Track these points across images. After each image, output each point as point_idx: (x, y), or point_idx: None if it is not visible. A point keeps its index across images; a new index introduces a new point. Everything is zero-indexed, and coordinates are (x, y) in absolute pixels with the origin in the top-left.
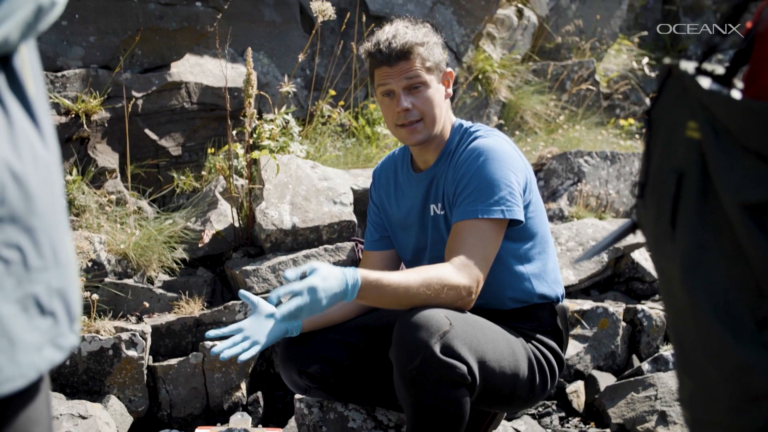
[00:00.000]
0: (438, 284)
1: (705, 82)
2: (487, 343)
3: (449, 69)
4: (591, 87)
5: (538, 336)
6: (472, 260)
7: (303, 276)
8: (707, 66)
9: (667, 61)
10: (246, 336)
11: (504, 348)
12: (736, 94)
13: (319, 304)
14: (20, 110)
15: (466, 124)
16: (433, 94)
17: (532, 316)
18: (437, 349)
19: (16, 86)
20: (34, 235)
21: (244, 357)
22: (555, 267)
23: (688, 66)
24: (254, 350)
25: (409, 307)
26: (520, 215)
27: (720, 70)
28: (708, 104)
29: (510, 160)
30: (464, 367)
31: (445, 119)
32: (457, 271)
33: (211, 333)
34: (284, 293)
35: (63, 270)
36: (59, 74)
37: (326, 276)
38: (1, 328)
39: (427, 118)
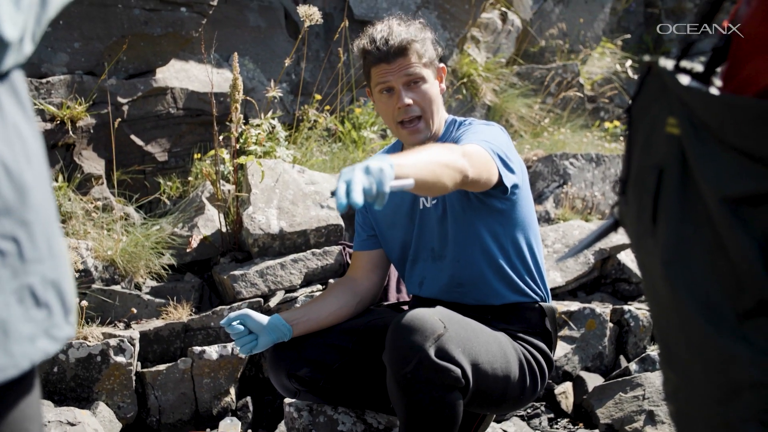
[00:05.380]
0: (448, 149)
1: (684, 79)
2: (480, 346)
3: (442, 64)
4: (577, 93)
5: (528, 337)
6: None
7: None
8: (686, 63)
9: (646, 58)
10: (252, 333)
11: (496, 350)
12: (713, 90)
13: (370, 170)
14: (13, 105)
15: (459, 119)
16: (430, 89)
17: (522, 318)
18: (432, 352)
19: (11, 85)
20: (29, 228)
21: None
22: (542, 261)
23: (667, 63)
24: (252, 346)
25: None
26: (506, 179)
27: (698, 67)
28: (687, 100)
29: (507, 143)
30: (458, 371)
31: (441, 115)
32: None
33: (224, 321)
34: (342, 193)
35: (57, 262)
36: (44, 80)
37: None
38: None
39: (426, 114)
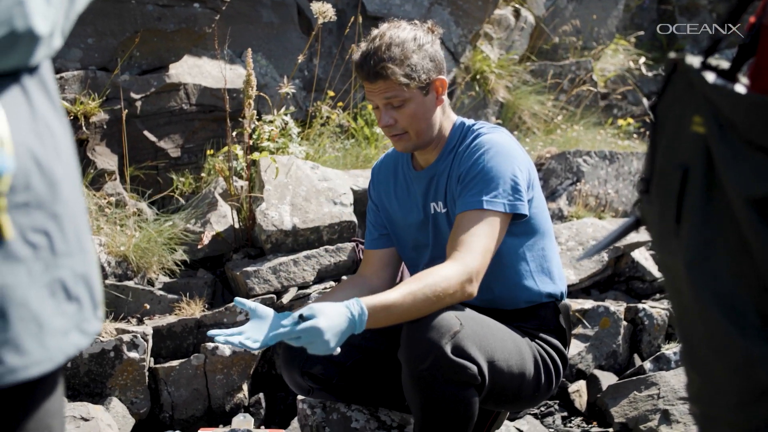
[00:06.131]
0: (441, 290)
1: (710, 77)
2: (496, 343)
3: (441, 76)
4: (590, 88)
5: (542, 335)
6: (470, 252)
7: (301, 319)
8: (712, 61)
9: (672, 55)
10: (247, 337)
11: (511, 348)
12: (740, 89)
13: (326, 345)
14: (42, 99)
15: (468, 122)
16: (416, 108)
17: (536, 315)
18: (448, 349)
19: (40, 78)
20: (59, 221)
21: (250, 346)
22: (558, 263)
23: (694, 61)
24: (257, 345)
25: (417, 318)
26: (523, 209)
27: (724, 64)
28: (713, 99)
29: (514, 154)
30: (474, 368)
31: (442, 122)
32: (454, 271)
33: (212, 332)
34: (284, 339)
35: (86, 256)
36: (57, 76)
37: (330, 316)
38: (30, 311)
39: (411, 132)
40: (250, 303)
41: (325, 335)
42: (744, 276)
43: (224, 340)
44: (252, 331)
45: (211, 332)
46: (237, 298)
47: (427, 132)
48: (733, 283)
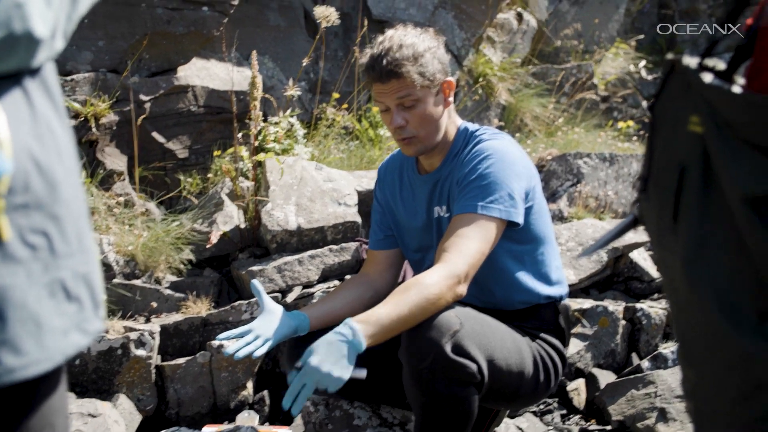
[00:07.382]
0: (433, 296)
1: (707, 77)
2: (496, 342)
3: (449, 78)
4: (592, 94)
5: (542, 335)
6: (459, 253)
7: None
8: (709, 62)
9: (670, 56)
10: (257, 335)
11: (511, 346)
12: (737, 89)
13: (330, 378)
14: (44, 100)
15: (472, 127)
16: (427, 109)
17: (536, 316)
18: (448, 348)
19: (42, 80)
20: (59, 222)
21: (258, 354)
22: (558, 267)
23: (691, 61)
24: (266, 347)
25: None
26: (517, 218)
27: (721, 65)
28: (711, 99)
29: (514, 161)
30: (474, 366)
31: (448, 126)
32: (441, 275)
33: (222, 336)
34: (292, 395)
35: (87, 256)
36: (69, 78)
37: (321, 351)
38: (28, 312)
39: (421, 134)
40: (264, 294)
41: (321, 369)
42: (741, 273)
43: (234, 351)
44: (261, 328)
45: (220, 338)
46: (253, 281)
47: (435, 134)
48: (730, 280)
